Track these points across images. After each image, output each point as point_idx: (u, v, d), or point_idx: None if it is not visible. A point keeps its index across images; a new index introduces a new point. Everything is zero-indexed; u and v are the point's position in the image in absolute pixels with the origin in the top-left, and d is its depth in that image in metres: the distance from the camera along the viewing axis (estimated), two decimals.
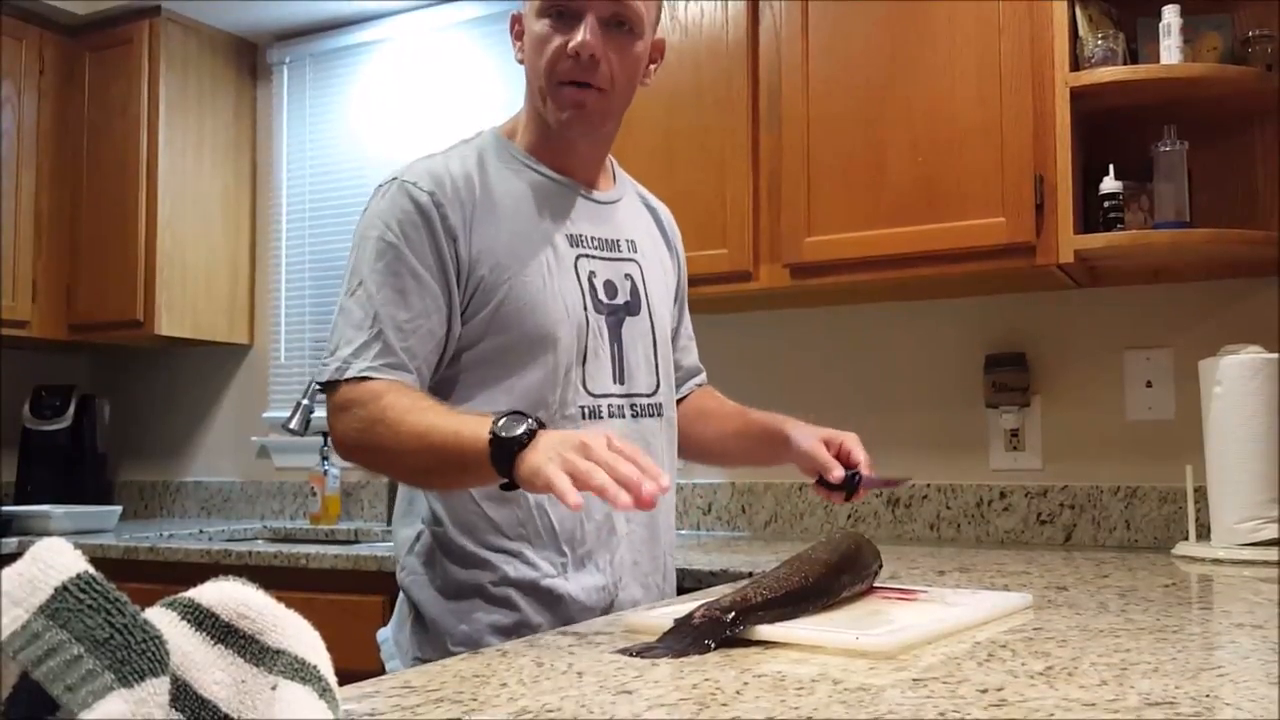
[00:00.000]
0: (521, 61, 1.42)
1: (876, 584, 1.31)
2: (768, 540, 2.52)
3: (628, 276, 1.46)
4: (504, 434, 1.10)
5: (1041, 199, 2.04)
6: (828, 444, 1.46)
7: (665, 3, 2.39)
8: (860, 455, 1.45)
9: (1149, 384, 2.29)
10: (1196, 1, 2.12)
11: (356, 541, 2.89)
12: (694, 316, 1.72)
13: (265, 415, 3.39)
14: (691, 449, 1.63)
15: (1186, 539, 2.02)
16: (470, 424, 1.15)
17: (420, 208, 1.32)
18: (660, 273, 1.53)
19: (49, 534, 2.45)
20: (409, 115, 3.22)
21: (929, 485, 2.46)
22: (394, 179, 1.36)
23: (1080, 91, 2.04)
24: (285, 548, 2.46)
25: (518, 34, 1.44)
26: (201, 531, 2.95)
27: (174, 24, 3.22)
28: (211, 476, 3.47)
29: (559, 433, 1.11)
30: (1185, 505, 2.04)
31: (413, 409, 1.23)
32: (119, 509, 3.11)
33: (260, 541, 2.90)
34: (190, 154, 3.26)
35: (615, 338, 1.41)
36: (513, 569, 1.34)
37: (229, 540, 2.87)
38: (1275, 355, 1.91)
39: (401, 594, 1.43)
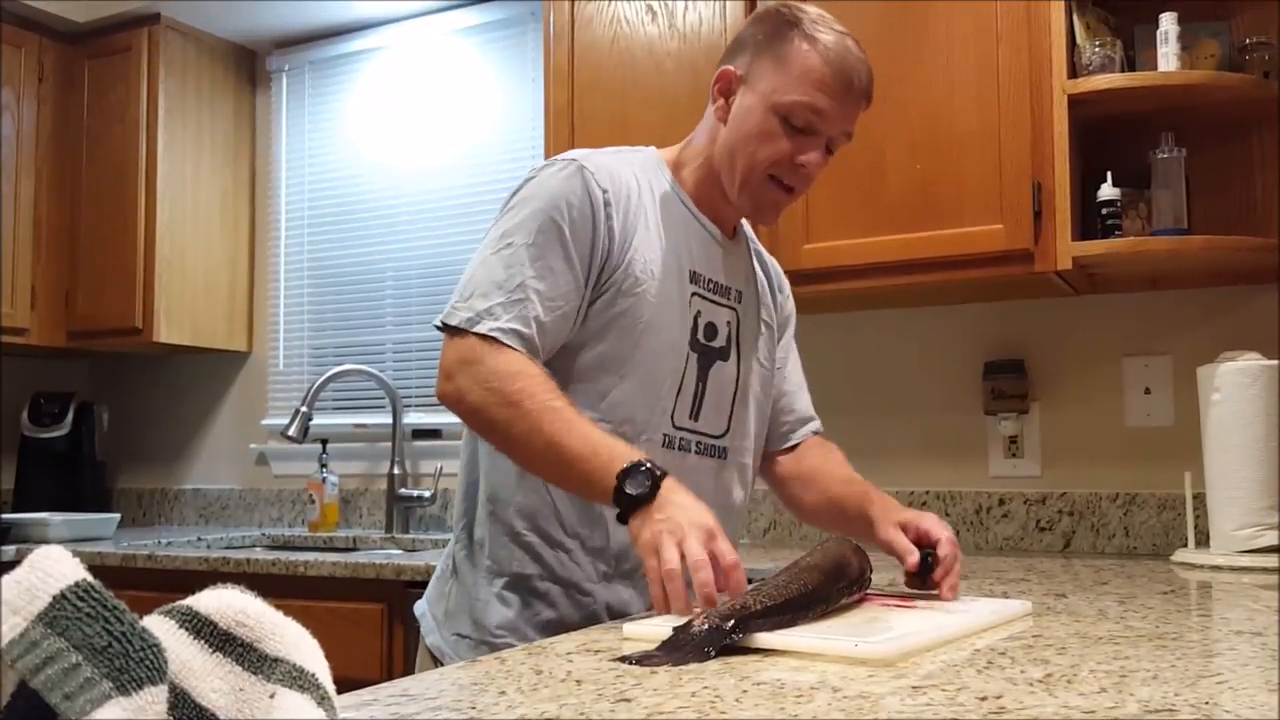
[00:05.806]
0: (722, 119, 1.44)
1: (876, 591, 1.31)
2: (767, 547, 2.52)
3: (728, 323, 1.50)
4: (631, 491, 1.18)
5: (1039, 206, 2.04)
6: (905, 527, 1.41)
7: (664, 4, 2.42)
8: (939, 533, 1.38)
9: (1147, 390, 2.29)
10: (1194, 9, 2.12)
11: (355, 549, 2.88)
12: None
13: (264, 422, 3.39)
14: (797, 512, 1.65)
15: (1185, 546, 2.02)
16: (601, 453, 1.21)
17: (593, 200, 1.35)
18: (757, 324, 1.57)
19: (47, 542, 2.44)
20: (407, 123, 3.22)
21: (928, 492, 2.46)
22: (574, 160, 1.38)
23: (1078, 99, 2.04)
24: (284, 555, 2.46)
25: (723, 91, 1.45)
26: (200, 539, 2.94)
27: (173, 31, 3.23)
28: (210, 484, 3.47)
29: (679, 499, 1.18)
30: (1184, 512, 2.04)
31: (547, 408, 1.25)
32: (117, 516, 3.11)
33: (259, 549, 2.90)
34: (189, 161, 3.26)
35: (702, 377, 1.46)
36: (559, 565, 1.37)
37: (227, 548, 2.86)
38: (1274, 362, 1.91)
39: (446, 565, 1.46)
